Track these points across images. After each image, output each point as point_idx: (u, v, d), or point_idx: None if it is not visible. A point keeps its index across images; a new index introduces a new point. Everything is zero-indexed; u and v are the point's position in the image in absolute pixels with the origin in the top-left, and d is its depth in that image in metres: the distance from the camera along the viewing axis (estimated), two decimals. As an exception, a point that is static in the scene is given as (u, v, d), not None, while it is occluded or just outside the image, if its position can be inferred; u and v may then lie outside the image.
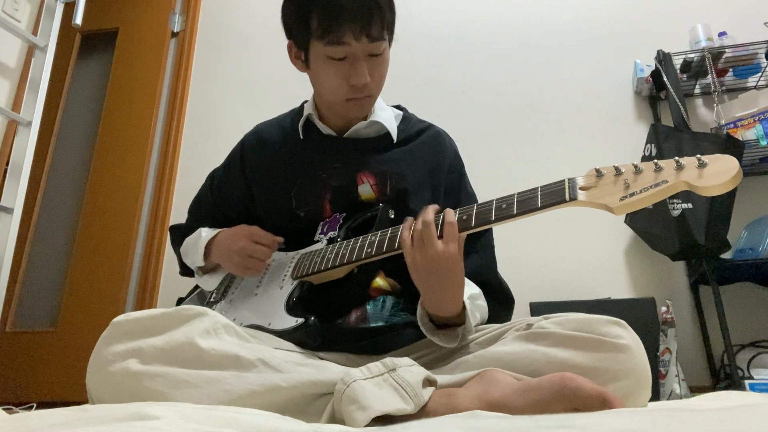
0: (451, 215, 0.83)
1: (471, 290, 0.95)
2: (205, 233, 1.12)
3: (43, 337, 2.45)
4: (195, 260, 1.13)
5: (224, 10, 2.99)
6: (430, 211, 0.85)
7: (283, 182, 1.09)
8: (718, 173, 0.66)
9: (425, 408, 0.70)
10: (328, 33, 0.94)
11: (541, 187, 0.79)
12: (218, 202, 1.20)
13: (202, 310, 0.79)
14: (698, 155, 0.69)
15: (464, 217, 0.83)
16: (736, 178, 0.65)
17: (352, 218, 1.03)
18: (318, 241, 1.03)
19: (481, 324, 0.97)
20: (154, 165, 2.69)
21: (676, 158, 0.70)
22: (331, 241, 1.01)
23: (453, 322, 0.89)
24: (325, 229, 1.04)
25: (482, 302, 0.97)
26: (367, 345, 0.92)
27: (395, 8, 1.01)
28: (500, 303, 1.04)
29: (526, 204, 0.78)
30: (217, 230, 1.12)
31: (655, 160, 0.71)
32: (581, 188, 0.75)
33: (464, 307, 0.87)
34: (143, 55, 2.86)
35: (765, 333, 2.00)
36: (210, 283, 1.13)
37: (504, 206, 0.81)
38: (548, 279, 2.20)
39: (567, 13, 2.60)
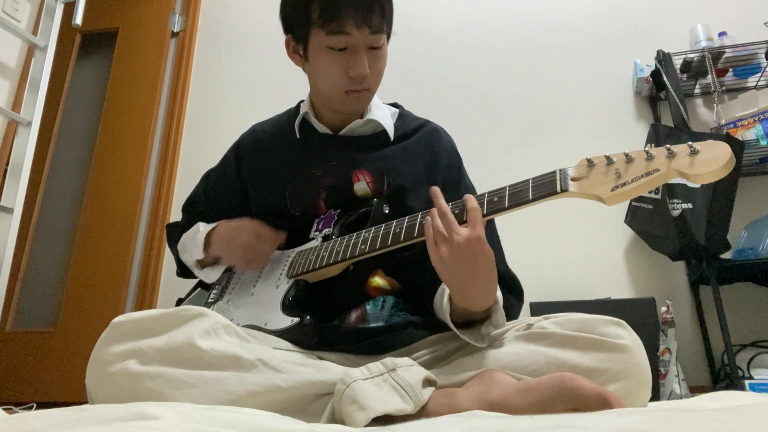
0: (473, 201, 0.81)
1: None
2: (203, 227, 1.12)
3: (43, 337, 2.45)
4: (194, 254, 1.11)
5: (224, 10, 2.99)
6: (441, 201, 0.82)
7: (279, 182, 1.09)
8: (709, 160, 0.64)
9: (425, 408, 0.70)
10: (330, 22, 0.95)
11: (533, 178, 0.78)
12: (212, 203, 1.20)
13: (202, 310, 0.79)
14: (689, 142, 0.67)
15: (456, 212, 0.82)
16: (728, 164, 0.63)
17: (346, 215, 1.02)
18: (313, 239, 1.03)
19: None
20: (154, 165, 2.69)
21: (668, 146, 0.68)
22: (325, 238, 1.00)
23: (477, 318, 0.87)
24: (320, 226, 1.03)
25: (499, 293, 0.97)
26: (367, 345, 0.92)
27: (393, 5, 1.01)
28: (513, 295, 1.02)
29: (517, 196, 0.78)
30: (216, 222, 1.11)
31: (647, 148, 0.70)
32: (572, 179, 0.74)
33: (497, 299, 0.85)
34: (143, 55, 2.86)
35: (765, 333, 2.00)
36: (211, 275, 1.11)
37: (495, 199, 0.80)
38: (548, 279, 2.20)
39: (567, 12, 2.60)
